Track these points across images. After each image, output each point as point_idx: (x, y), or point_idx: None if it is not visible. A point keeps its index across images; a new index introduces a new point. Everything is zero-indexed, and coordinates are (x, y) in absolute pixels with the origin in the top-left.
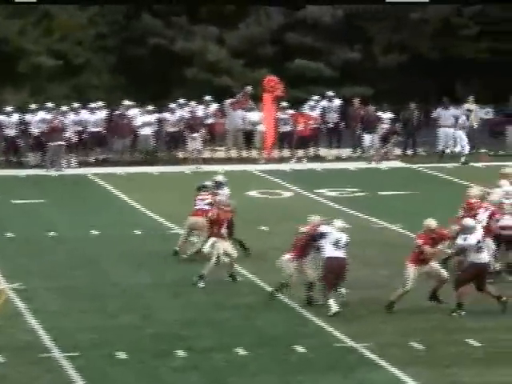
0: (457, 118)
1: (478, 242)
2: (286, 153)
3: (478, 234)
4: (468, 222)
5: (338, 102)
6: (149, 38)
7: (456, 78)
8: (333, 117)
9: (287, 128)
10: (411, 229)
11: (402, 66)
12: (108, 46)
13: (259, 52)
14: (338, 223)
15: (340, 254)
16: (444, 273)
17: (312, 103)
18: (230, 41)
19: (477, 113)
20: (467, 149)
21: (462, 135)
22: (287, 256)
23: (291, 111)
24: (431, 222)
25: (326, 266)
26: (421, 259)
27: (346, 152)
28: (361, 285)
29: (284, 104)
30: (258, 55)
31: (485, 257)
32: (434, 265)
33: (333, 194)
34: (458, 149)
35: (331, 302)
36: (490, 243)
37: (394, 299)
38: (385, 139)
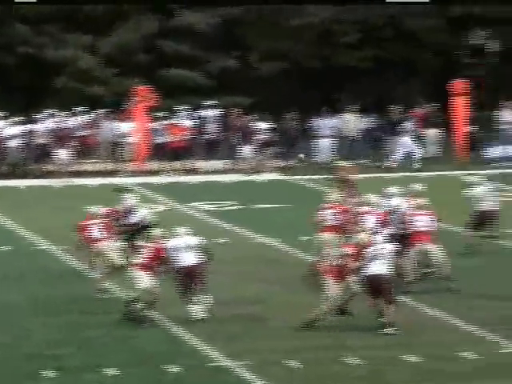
0: (337, 128)
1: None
2: (161, 165)
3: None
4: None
5: (217, 111)
6: (17, 46)
7: (338, 86)
8: (212, 127)
9: (162, 139)
10: (289, 243)
11: (281, 75)
12: None
13: (133, 60)
14: (182, 230)
15: (195, 259)
16: (357, 287)
17: (187, 113)
18: (102, 49)
19: (358, 122)
20: (417, 154)
21: (407, 141)
22: (140, 272)
23: (166, 122)
24: (366, 236)
25: (183, 272)
26: (343, 274)
27: (221, 164)
28: (238, 301)
29: (158, 114)
30: (132, 64)
31: (379, 268)
32: (351, 279)
33: (209, 207)
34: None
35: (195, 307)
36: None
37: (316, 317)
38: (262, 150)
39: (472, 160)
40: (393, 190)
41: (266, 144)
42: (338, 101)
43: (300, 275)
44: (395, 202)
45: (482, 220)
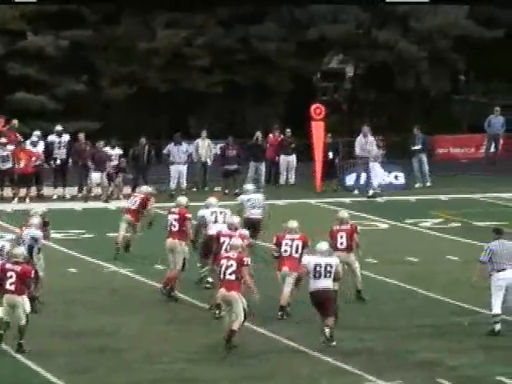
0: (190, 154)
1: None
2: (8, 192)
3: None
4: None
5: (66, 137)
6: None
7: (189, 111)
8: (60, 153)
9: (8, 165)
10: (142, 272)
11: (131, 100)
12: None
13: None
14: None
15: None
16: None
17: (34, 138)
18: None
19: (210, 148)
20: (375, 181)
21: (374, 166)
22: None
23: (12, 147)
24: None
25: None
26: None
27: (72, 191)
28: (90, 332)
29: (3, 140)
30: None
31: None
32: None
33: (58, 235)
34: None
35: None
36: None
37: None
38: (112, 177)
39: (330, 187)
40: (211, 200)
41: (116, 171)
42: (191, 126)
43: (154, 304)
44: (204, 212)
45: (247, 226)
